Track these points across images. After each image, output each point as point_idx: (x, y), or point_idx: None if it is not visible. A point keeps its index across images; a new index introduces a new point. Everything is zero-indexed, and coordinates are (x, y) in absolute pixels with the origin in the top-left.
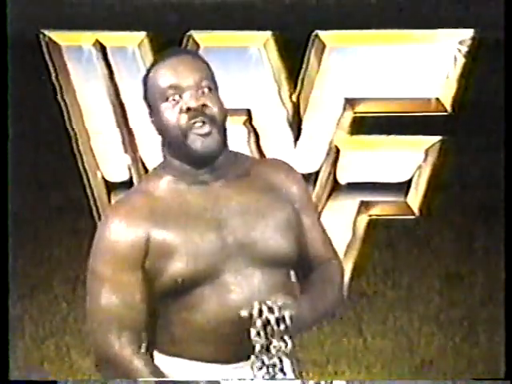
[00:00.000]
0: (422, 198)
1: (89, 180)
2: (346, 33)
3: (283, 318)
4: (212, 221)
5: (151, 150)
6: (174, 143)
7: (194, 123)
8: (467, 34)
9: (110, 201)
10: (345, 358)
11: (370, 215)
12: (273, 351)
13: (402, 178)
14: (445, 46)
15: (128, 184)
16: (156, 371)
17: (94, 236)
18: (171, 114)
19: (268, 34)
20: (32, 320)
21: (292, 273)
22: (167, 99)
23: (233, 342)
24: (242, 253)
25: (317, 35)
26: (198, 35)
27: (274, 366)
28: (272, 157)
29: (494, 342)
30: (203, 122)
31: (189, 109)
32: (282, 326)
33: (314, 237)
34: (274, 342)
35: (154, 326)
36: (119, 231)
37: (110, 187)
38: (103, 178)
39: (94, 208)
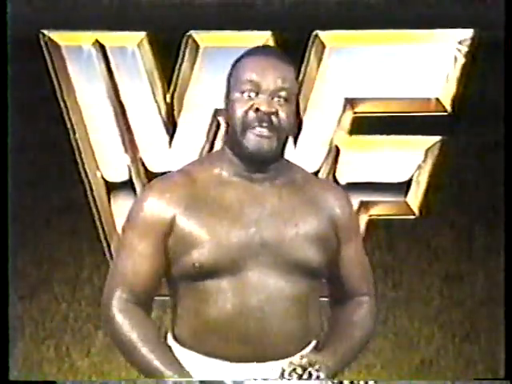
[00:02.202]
0: (422, 198)
1: (89, 180)
2: (346, 33)
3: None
4: (244, 217)
5: (151, 149)
6: (234, 135)
7: (258, 125)
8: (467, 33)
9: (109, 201)
10: None
11: (370, 215)
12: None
13: (402, 178)
14: (445, 46)
15: (128, 184)
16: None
17: (93, 236)
18: (240, 107)
19: (268, 33)
20: (32, 320)
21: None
22: (243, 92)
23: (242, 341)
24: (266, 253)
25: (317, 35)
26: (198, 35)
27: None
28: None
29: (494, 342)
30: (267, 127)
31: (259, 110)
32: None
33: (352, 269)
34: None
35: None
36: (150, 204)
37: (110, 187)
38: (103, 178)
39: (93, 208)
